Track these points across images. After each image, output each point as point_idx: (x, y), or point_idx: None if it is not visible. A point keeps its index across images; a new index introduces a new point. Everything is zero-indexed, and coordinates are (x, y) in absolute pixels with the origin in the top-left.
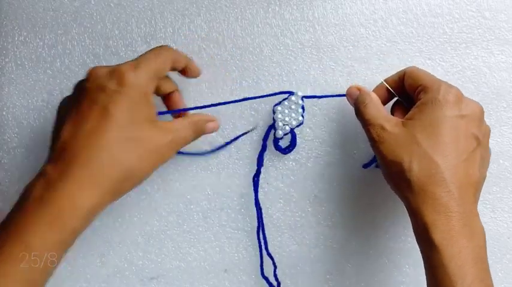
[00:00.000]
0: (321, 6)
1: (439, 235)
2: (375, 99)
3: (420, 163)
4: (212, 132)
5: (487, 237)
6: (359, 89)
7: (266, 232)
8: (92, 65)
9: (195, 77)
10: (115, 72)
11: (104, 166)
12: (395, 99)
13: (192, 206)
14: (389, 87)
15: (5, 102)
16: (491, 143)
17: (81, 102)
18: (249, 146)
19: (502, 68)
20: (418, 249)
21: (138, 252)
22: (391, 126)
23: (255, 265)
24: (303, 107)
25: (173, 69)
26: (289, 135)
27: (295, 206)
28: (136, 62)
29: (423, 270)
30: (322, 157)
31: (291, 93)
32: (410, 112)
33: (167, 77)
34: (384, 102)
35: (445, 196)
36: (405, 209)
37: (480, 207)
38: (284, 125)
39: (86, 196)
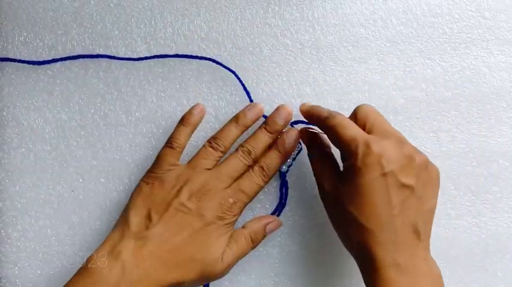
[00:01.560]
0: (320, 6)
1: None
2: (320, 154)
3: (356, 231)
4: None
5: (487, 237)
6: (306, 136)
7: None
8: (92, 65)
9: None
10: (219, 205)
11: (172, 275)
12: None
13: None
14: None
15: (5, 103)
16: (491, 143)
17: (178, 215)
18: None
19: (501, 68)
20: None
21: None
22: (328, 186)
23: (255, 265)
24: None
25: None
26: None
27: (295, 206)
28: (237, 198)
29: None
30: None
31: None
32: (343, 173)
33: None
34: None
35: (382, 254)
36: None
37: (480, 207)
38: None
39: None
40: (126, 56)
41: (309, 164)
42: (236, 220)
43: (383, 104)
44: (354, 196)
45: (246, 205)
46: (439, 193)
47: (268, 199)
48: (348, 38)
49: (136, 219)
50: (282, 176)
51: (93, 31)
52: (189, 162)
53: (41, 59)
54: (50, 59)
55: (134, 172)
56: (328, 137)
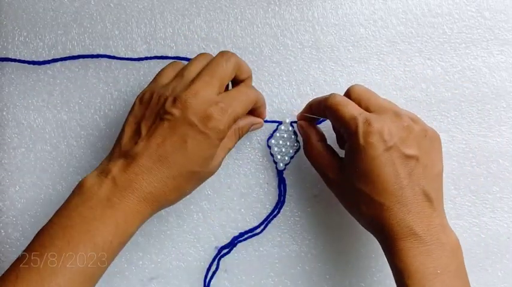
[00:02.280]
0: (320, 6)
1: (397, 261)
2: (315, 142)
3: (367, 206)
4: (254, 130)
5: (487, 237)
6: (302, 128)
7: (266, 231)
8: (92, 65)
9: (256, 127)
10: (205, 112)
11: (167, 188)
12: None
13: (192, 206)
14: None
15: (5, 103)
16: (491, 143)
17: (164, 125)
18: (249, 146)
19: (501, 68)
20: None
21: (138, 252)
22: (333, 173)
23: (255, 265)
24: (295, 133)
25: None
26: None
27: (295, 206)
28: (227, 106)
29: None
30: None
31: (279, 123)
32: (345, 154)
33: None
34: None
35: (396, 225)
36: None
37: (480, 207)
38: (283, 156)
39: (147, 206)
40: (127, 56)
41: (308, 165)
42: (226, 135)
43: None
44: (361, 174)
45: (236, 116)
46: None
47: (268, 198)
48: (348, 38)
49: (126, 137)
50: (279, 174)
51: (93, 31)
52: (177, 72)
53: (41, 59)
54: (50, 59)
55: None
56: (329, 118)
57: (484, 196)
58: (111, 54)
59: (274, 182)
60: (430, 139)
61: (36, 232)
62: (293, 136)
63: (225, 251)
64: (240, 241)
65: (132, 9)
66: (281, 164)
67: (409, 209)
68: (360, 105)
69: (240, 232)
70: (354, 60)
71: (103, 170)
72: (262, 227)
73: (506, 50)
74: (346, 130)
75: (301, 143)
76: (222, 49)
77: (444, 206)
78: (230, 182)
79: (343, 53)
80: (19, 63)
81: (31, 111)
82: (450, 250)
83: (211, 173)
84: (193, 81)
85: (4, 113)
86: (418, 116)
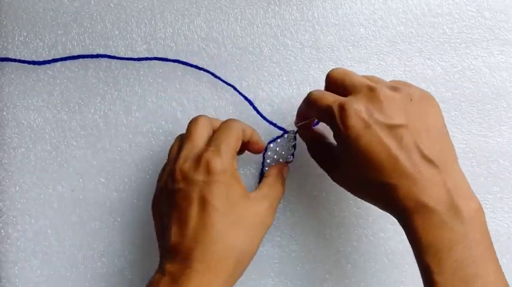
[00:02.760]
0: (320, 6)
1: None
2: (320, 147)
3: (378, 190)
4: None
5: None
6: (308, 136)
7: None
8: (92, 65)
9: (258, 151)
10: (201, 163)
11: (219, 255)
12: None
13: None
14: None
15: (5, 103)
16: (491, 143)
17: (179, 202)
18: None
19: (501, 68)
20: None
21: (138, 252)
22: (335, 170)
23: (255, 264)
24: (294, 146)
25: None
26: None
27: (295, 206)
28: (216, 145)
29: None
30: None
31: (285, 131)
32: (337, 150)
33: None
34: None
35: (411, 201)
36: None
37: None
38: (271, 162)
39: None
40: (127, 56)
41: (308, 165)
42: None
43: None
44: (355, 161)
45: (232, 148)
46: None
47: None
48: (348, 38)
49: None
50: (261, 175)
51: (93, 31)
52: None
53: (41, 59)
54: (50, 59)
55: (134, 172)
56: (316, 117)
57: (484, 196)
58: (111, 54)
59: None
60: (418, 102)
61: None
62: (291, 148)
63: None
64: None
65: (132, 9)
66: (267, 168)
67: (414, 180)
68: (338, 91)
69: None
70: (354, 60)
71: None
72: None
73: (507, 50)
74: (327, 123)
75: (294, 157)
76: (222, 49)
77: None
78: None
79: (343, 53)
80: (19, 63)
81: (31, 111)
82: (468, 217)
83: (258, 216)
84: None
85: (4, 113)
86: None
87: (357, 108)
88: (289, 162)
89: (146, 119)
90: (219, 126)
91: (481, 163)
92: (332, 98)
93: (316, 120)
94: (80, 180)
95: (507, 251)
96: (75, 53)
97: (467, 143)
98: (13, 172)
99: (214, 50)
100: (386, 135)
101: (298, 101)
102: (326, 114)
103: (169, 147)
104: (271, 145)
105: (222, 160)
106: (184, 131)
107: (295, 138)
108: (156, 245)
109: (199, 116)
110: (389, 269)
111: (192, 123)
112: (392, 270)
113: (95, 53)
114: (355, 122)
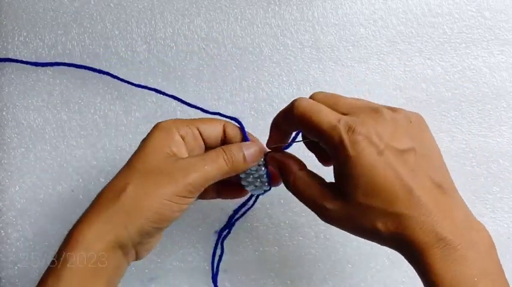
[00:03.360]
0: (320, 6)
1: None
2: (299, 174)
3: (386, 222)
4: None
5: None
6: (277, 162)
7: (266, 231)
8: (92, 65)
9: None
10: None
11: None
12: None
13: (191, 206)
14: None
15: (5, 103)
16: (491, 143)
17: None
18: None
19: (502, 68)
20: None
21: None
22: (330, 203)
23: (255, 265)
24: (267, 174)
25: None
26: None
27: (295, 206)
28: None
29: None
30: None
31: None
32: (335, 178)
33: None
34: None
35: (420, 232)
36: None
37: (480, 207)
38: (250, 186)
39: None
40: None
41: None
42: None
43: (383, 104)
44: (364, 188)
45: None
46: None
47: (268, 199)
48: (348, 38)
49: None
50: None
51: (93, 31)
52: None
53: (41, 59)
54: (49, 59)
55: None
56: (303, 129)
57: (484, 196)
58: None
59: None
60: (416, 124)
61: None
62: (264, 176)
63: (225, 233)
64: (237, 219)
65: (132, 9)
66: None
67: (429, 209)
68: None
69: (233, 209)
70: (354, 60)
71: None
72: (253, 199)
73: (507, 50)
74: (328, 142)
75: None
76: (222, 49)
77: None
78: None
79: (343, 53)
80: (19, 63)
81: (31, 111)
82: (484, 250)
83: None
84: None
85: (4, 113)
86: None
87: (368, 131)
88: (266, 191)
89: (146, 119)
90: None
91: (481, 163)
92: (335, 116)
93: (289, 143)
94: (80, 180)
95: (507, 251)
96: (75, 53)
97: (467, 143)
98: (13, 172)
99: (214, 50)
100: (398, 162)
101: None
102: (328, 134)
103: None
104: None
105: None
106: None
107: (265, 166)
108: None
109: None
110: (389, 269)
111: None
112: (393, 270)
113: (95, 53)
114: (367, 147)
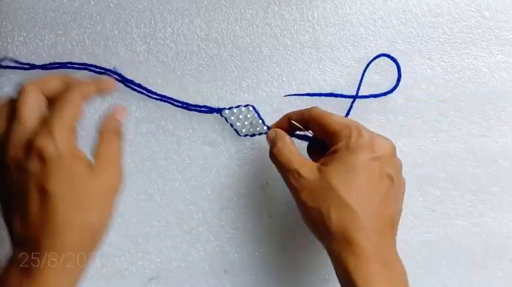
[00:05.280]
0: (320, 6)
1: (361, 280)
2: (289, 142)
3: (338, 210)
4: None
5: (487, 237)
6: (275, 131)
7: (266, 231)
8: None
9: (111, 90)
10: (33, 150)
11: (70, 240)
12: (303, 133)
13: (192, 207)
14: (298, 125)
15: None
16: (491, 143)
17: (17, 193)
18: (249, 147)
19: (501, 68)
20: (418, 250)
21: (138, 252)
22: (306, 171)
23: (255, 265)
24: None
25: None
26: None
27: (295, 206)
28: (48, 125)
29: (422, 271)
30: None
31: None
32: (324, 158)
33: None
34: (291, 133)
35: (364, 240)
36: (405, 210)
37: (480, 207)
38: (243, 128)
39: (66, 271)
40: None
41: None
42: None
43: (383, 104)
44: (343, 173)
45: (67, 125)
46: (439, 193)
47: (269, 199)
48: (348, 38)
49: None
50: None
51: (93, 31)
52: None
53: (40, 59)
54: (49, 59)
55: (133, 172)
56: (313, 126)
57: (484, 196)
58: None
59: (274, 183)
60: (401, 177)
61: None
62: (258, 120)
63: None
64: None
65: (131, 9)
66: (243, 135)
67: (379, 228)
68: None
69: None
70: (353, 60)
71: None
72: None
73: (507, 50)
74: (335, 135)
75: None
76: (222, 49)
77: (444, 206)
78: (230, 182)
79: (343, 53)
80: (18, 63)
81: None
82: (405, 279)
83: (103, 189)
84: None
85: None
86: (418, 116)
87: (371, 138)
88: (263, 133)
89: (146, 119)
90: (56, 98)
91: (481, 163)
92: (346, 119)
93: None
94: None
95: (507, 251)
96: (75, 54)
97: (467, 143)
98: None
99: (214, 50)
100: (380, 178)
101: (298, 101)
102: (338, 129)
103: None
104: (227, 111)
105: (56, 143)
106: (182, 131)
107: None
108: (156, 245)
109: (28, 85)
110: None
111: (20, 97)
112: None
113: (94, 53)
114: (365, 147)
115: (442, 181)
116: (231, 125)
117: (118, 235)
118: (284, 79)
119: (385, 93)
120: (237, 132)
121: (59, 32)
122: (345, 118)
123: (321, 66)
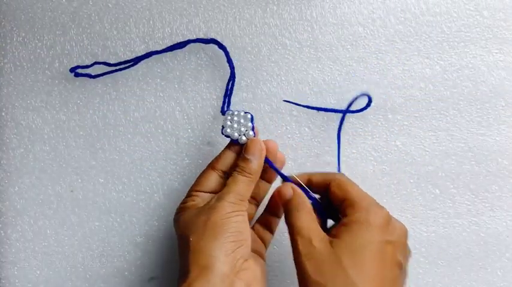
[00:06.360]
0: (319, 5)
1: None
2: (309, 207)
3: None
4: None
5: (486, 236)
6: (294, 190)
7: None
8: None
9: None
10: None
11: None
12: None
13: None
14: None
15: (4, 103)
16: (490, 141)
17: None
18: None
19: (500, 67)
20: (417, 249)
21: (138, 252)
22: (318, 242)
23: None
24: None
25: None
26: None
27: None
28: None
29: (422, 270)
30: (321, 155)
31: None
32: (337, 228)
33: None
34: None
35: None
36: (404, 209)
37: (479, 206)
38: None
39: None
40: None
41: (308, 164)
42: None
43: (382, 103)
44: (355, 251)
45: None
46: (438, 192)
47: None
48: (347, 37)
49: None
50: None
51: (92, 31)
52: None
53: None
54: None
55: (133, 172)
56: (334, 193)
57: (483, 195)
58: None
59: (274, 183)
60: (408, 252)
61: None
62: (249, 124)
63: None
64: None
65: (130, 9)
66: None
67: None
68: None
69: None
70: (352, 60)
71: None
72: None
73: (505, 49)
74: (351, 206)
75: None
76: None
77: (443, 205)
78: None
79: (342, 52)
80: (17, 63)
81: (30, 112)
82: None
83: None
84: None
85: (3, 114)
86: (417, 115)
87: (388, 217)
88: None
89: (145, 119)
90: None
91: (480, 162)
92: (366, 193)
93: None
94: (79, 180)
95: (506, 250)
96: (74, 54)
97: (466, 142)
98: (12, 173)
99: (213, 50)
100: (391, 264)
101: (298, 100)
102: (356, 201)
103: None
104: (231, 112)
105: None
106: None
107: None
108: (155, 245)
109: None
110: None
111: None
112: None
113: (93, 53)
114: (382, 225)
115: (441, 179)
116: (223, 126)
117: (118, 235)
118: (283, 78)
119: (364, 108)
120: (222, 128)
121: (57, 32)
122: (365, 192)
123: (319, 66)
